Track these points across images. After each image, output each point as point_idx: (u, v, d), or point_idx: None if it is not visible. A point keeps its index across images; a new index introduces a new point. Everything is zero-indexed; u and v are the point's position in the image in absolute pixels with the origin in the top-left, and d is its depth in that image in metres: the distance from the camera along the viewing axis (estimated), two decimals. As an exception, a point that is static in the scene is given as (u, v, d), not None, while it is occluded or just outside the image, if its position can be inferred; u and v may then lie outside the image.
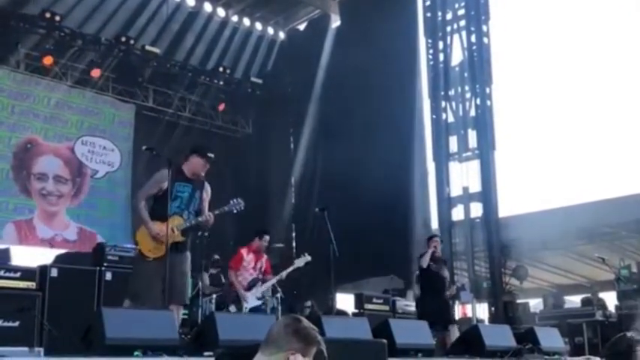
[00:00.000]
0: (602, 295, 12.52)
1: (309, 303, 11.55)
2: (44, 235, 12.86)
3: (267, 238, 8.58)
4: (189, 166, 6.11)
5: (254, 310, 8.20)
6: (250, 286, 8.36)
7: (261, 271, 8.55)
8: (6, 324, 6.34)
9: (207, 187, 6.25)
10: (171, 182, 5.88)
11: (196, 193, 6.10)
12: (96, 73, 13.61)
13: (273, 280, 8.50)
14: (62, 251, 10.62)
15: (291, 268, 8.49)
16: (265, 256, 8.68)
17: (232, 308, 8.38)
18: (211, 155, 6.17)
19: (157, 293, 5.79)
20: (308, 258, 8.37)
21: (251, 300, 8.29)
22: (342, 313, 11.12)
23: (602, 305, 11.76)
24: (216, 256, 10.85)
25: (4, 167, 12.77)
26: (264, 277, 8.53)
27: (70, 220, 13.39)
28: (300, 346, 2.69)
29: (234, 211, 6.20)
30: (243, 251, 8.55)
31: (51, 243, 12.40)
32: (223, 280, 10.76)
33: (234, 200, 6.22)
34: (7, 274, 6.81)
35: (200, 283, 9.73)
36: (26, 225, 12.77)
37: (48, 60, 13.04)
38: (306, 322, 2.78)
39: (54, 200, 13.29)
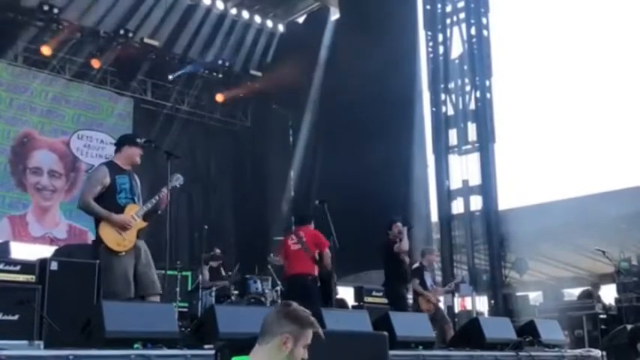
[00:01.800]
0: (602, 287, 12.53)
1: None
2: (35, 233, 12.86)
3: None
4: (125, 157, 6.09)
5: None
6: None
7: None
8: (5, 317, 6.31)
9: (137, 178, 6.23)
10: (111, 176, 5.89)
11: (133, 182, 6.10)
12: (96, 63, 13.56)
13: None
14: (61, 245, 10.63)
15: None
16: None
17: None
18: (141, 141, 6.21)
19: (132, 287, 5.79)
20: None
21: None
22: (341, 303, 11.12)
23: (598, 298, 11.79)
24: (218, 250, 10.85)
25: (1, 161, 12.77)
26: None
27: (62, 217, 13.33)
28: (294, 329, 2.72)
29: (178, 185, 6.18)
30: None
31: (52, 238, 12.38)
32: (223, 273, 10.79)
33: (174, 176, 6.19)
34: (7, 268, 6.79)
35: (200, 277, 9.75)
36: (20, 221, 12.76)
37: (47, 50, 12.99)
38: (296, 306, 2.82)
39: (48, 195, 13.27)
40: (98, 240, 5.89)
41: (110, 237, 5.80)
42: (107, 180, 5.89)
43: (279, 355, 2.70)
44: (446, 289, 10.27)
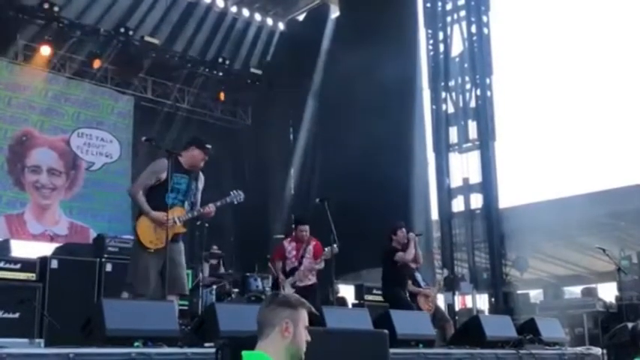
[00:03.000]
0: (602, 285, 12.55)
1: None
2: (34, 231, 12.82)
3: (302, 227, 8.42)
4: (188, 158, 6.07)
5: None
6: (288, 275, 8.35)
7: (302, 258, 8.41)
8: (6, 315, 6.34)
9: (202, 178, 6.23)
10: (168, 172, 5.79)
11: (193, 185, 6.07)
12: (97, 64, 13.57)
13: (303, 270, 8.37)
14: (61, 242, 10.61)
15: (319, 259, 8.31)
16: (314, 242, 8.46)
17: None
18: (209, 146, 6.17)
19: (153, 285, 5.80)
20: (335, 250, 8.16)
21: (287, 287, 8.21)
22: (342, 301, 11.13)
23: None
24: (215, 247, 10.84)
25: (-2, 160, 12.75)
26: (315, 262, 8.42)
27: (62, 215, 13.30)
28: (289, 313, 2.78)
29: (235, 202, 6.18)
30: (285, 242, 8.60)
31: (52, 235, 12.36)
32: (222, 270, 10.80)
33: (235, 192, 6.19)
34: (8, 266, 6.81)
35: (200, 275, 9.75)
36: (17, 219, 12.72)
37: (45, 50, 12.99)
38: (282, 292, 2.92)
39: (47, 193, 13.24)
40: (133, 231, 5.93)
41: (145, 233, 5.84)
42: (163, 175, 5.84)
43: (283, 342, 2.74)
44: (437, 287, 10.25)
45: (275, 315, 2.78)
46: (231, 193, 6.20)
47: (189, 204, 6.03)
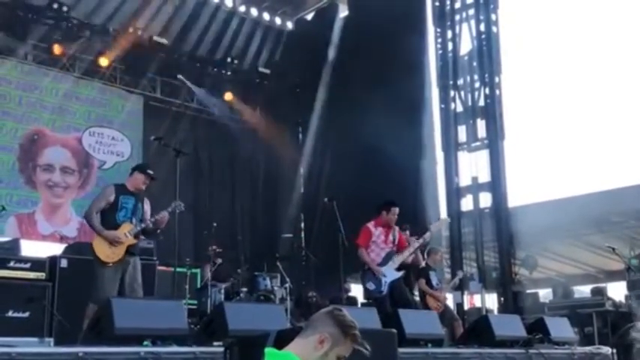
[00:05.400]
0: (611, 284, 12.50)
1: (312, 293, 11.53)
2: (44, 231, 12.82)
3: (394, 210, 8.09)
4: (132, 182, 6.84)
5: (395, 282, 7.89)
6: (386, 260, 7.99)
7: (394, 244, 8.12)
8: (16, 314, 6.37)
9: (147, 201, 6.99)
10: (116, 195, 6.66)
11: (139, 205, 6.80)
12: (103, 61, 13.61)
13: (411, 249, 8.14)
14: (70, 243, 10.64)
15: (428, 233, 8.31)
16: (397, 228, 8.23)
17: (370, 285, 7.97)
18: (151, 172, 6.91)
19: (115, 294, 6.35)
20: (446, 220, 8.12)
21: (389, 273, 7.93)
22: (351, 300, 11.13)
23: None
24: (214, 247, 10.82)
25: (10, 159, 12.75)
26: (399, 249, 8.12)
27: (73, 214, 13.28)
28: (335, 332, 2.63)
29: (177, 211, 6.89)
30: (370, 225, 8.13)
31: (61, 236, 12.36)
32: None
33: (175, 203, 6.89)
34: (18, 265, 6.83)
35: (208, 274, 9.78)
36: (27, 219, 12.75)
37: (58, 49, 13.09)
38: (346, 312, 2.73)
39: (60, 192, 13.27)
40: (91, 250, 6.53)
41: (101, 249, 6.45)
42: (112, 198, 6.66)
43: (313, 354, 2.61)
44: (451, 285, 10.25)
45: (323, 324, 2.65)
46: (172, 203, 6.89)
47: (137, 220, 6.72)
